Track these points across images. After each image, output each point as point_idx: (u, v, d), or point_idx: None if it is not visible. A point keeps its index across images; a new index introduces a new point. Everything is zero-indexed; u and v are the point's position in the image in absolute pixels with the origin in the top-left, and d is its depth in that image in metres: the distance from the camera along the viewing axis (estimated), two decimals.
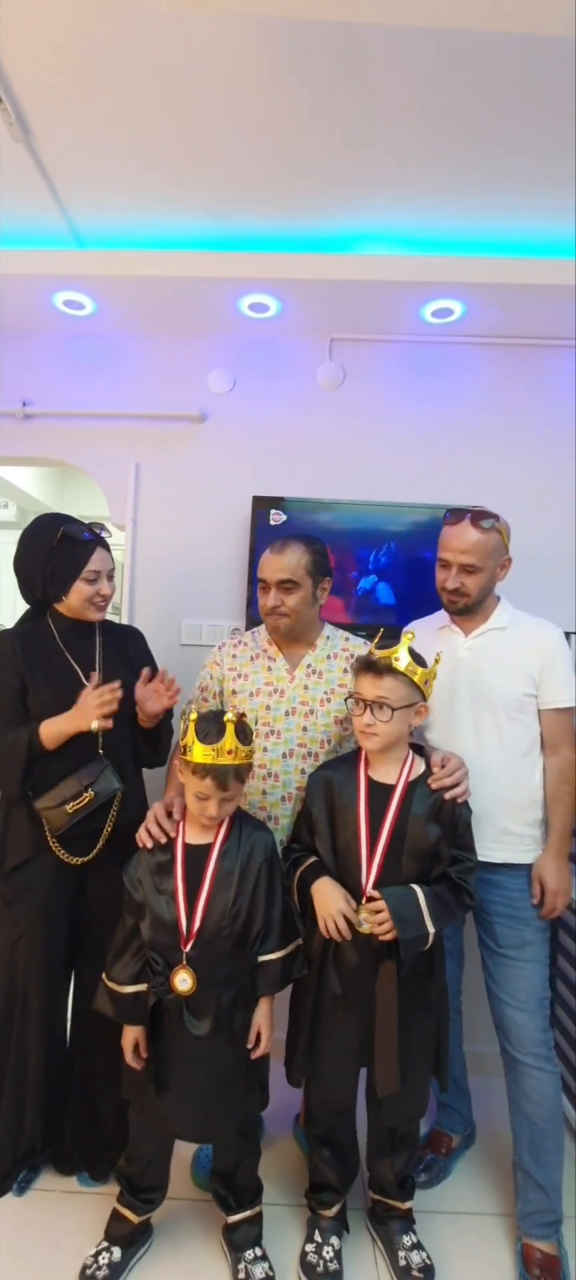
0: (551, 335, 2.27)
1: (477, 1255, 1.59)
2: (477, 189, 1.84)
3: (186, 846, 1.45)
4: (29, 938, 1.61)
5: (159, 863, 1.44)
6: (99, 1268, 1.44)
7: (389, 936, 1.36)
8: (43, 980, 1.63)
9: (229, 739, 1.36)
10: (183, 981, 1.36)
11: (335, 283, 2.07)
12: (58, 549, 1.63)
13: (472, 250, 2.07)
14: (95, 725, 1.56)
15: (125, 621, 2.38)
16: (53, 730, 1.57)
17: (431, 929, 1.38)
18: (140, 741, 1.75)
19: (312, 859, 1.50)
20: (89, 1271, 1.44)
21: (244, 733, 1.41)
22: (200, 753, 1.35)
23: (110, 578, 1.70)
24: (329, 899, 1.42)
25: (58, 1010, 1.71)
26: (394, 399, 2.38)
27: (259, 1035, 1.45)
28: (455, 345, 2.34)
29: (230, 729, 1.37)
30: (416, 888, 1.41)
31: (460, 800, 1.49)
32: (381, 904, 1.37)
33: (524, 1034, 1.58)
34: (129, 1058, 1.42)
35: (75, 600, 1.65)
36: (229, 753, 1.36)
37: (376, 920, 1.37)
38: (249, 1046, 1.45)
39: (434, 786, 1.48)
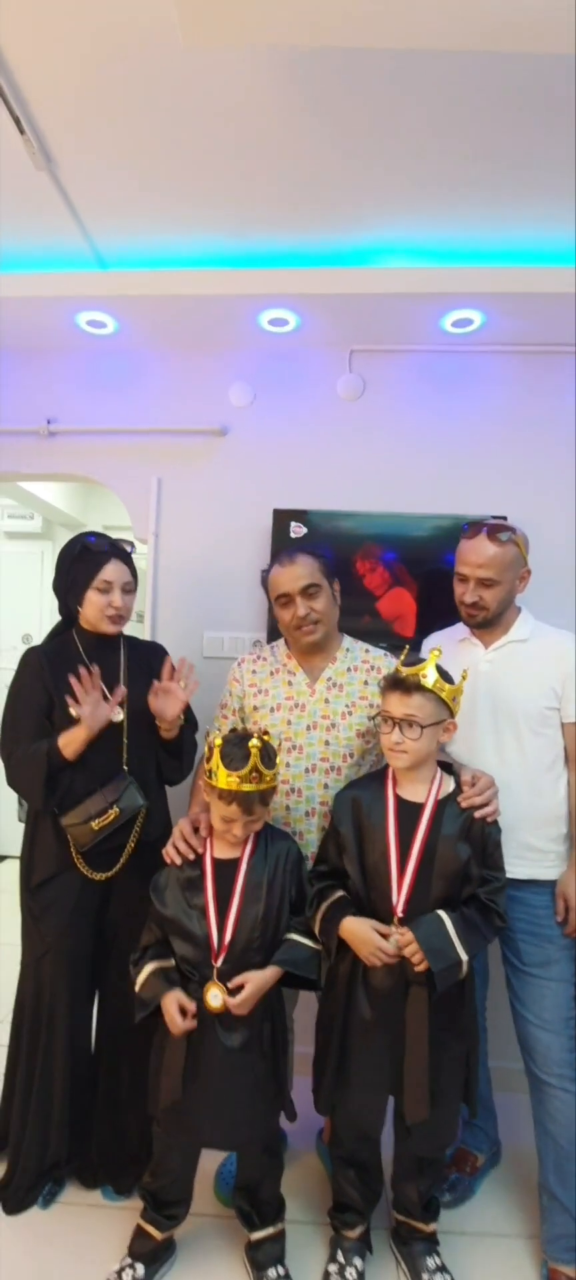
0: (571, 342, 2.24)
1: (502, 1279, 1.56)
2: (494, 200, 1.83)
3: (215, 861, 1.47)
4: (55, 952, 1.64)
5: (188, 878, 1.47)
6: None
7: (422, 968, 1.36)
8: (68, 994, 1.66)
9: (254, 763, 1.38)
10: (214, 998, 1.38)
11: (353, 296, 2.08)
12: (77, 560, 1.69)
13: (492, 260, 2.05)
14: (119, 716, 1.64)
15: (148, 634, 2.41)
16: (68, 738, 1.61)
17: (463, 956, 1.36)
18: (163, 755, 1.77)
19: (337, 895, 1.48)
20: None
21: (268, 756, 1.43)
22: (224, 778, 1.38)
23: (126, 591, 1.72)
24: (362, 940, 1.41)
25: (83, 1024, 1.73)
26: (415, 409, 2.37)
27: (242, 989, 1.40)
28: (475, 355, 2.33)
29: (255, 754, 1.38)
30: (444, 915, 1.39)
31: (490, 820, 1.47)
32: (411, 937, 1.36)
33: (548, 1054, 1.56)
34: (178, 1023, 1.38)
35: (89, 611, 1.69)
36: (253, 778, 1.38)
37: (408, 952, 1.37)
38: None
39: (464, 805, 1.47)
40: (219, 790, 1.40)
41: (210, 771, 1.41)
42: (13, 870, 4.14)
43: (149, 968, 1.44)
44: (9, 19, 1.34)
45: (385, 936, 1.39)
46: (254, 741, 1.39)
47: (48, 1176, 1.70)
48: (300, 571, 1.67)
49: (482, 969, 1.83)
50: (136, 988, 1.44)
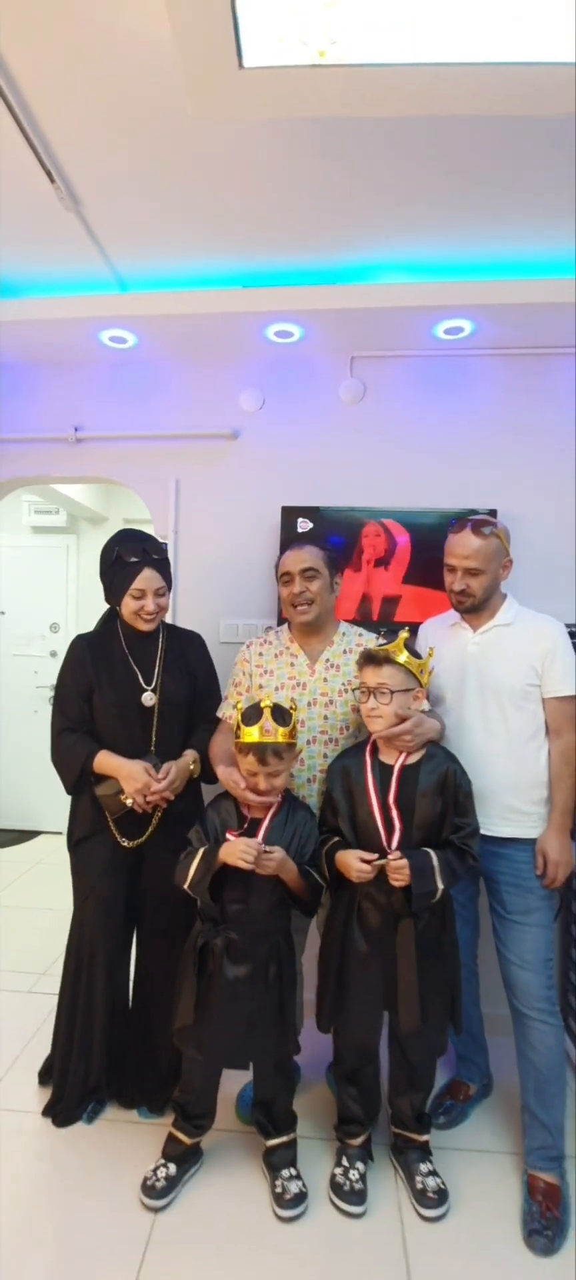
0: (554, 344, 2.41)
1: (489, 1185, 1.78)
2: (482, 218, 1.98)
3: (249, 820, 1.71)
4: (94, 900, 1.87)
5: (224, 823, 1.71)
6: (157, 1179, 1.69)
7: (403, 882, 1.58)
8: (106, 939, 1.88)
9: (267, 719, 1.62)
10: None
11: (352, 310, 2.25)
12: (114, 565, 1.87)
13: (479, 273, 2.22)
14: (129, 801, 1.81)
15: (169, 621, 2.61)
16: (105, 764, 1.82)
17: (440, 885, 1.59)
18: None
19: (335, 839, 1.71)
20: (148, 1182, 1.69)
21: (280, 715, 1.66)
22: (245, 734, 1.63)
23: (158, 594, 1.88)
24: (348, 864, 1.64)
25: (120, 967, 1.96)
26: (412, 410, 2.54)
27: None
28: (467, 358, 2.50)
29: (267, 712, 1.62)
30: (430, 851, 1.62)
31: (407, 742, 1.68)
32: (404, 861, 1.58)
33: (528, 990, 1.76)
34: (245, 850, 1.57)
35: (125, 612, 1.89)
36: (267, 731, 1.61)
37: (396, 869, 1.58)
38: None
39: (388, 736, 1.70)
40: (240, 745, 1.65)
41: (237, 734, 1.67)
42: (48, 844, 4.44)
43: (202, 850, 1.66)
44: (38, 78, 1.52)
45: (368, 862, 1.61)
46: (265, 701, 1.64)
47: (91, 1097, 1.93)
48: (304, 556, 1.89)
49: (473, 919, 2.03)
50: (189, 875, 1.64)
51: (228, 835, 1.66)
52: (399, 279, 2.26)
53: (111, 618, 1.99)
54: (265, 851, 1.59)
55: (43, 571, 4.63)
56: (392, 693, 1.65)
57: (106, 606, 2.02)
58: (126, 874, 1.91)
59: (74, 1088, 1.90)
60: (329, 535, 2.45)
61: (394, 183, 1.85)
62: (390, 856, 1.60)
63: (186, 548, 2.64)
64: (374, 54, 1.22)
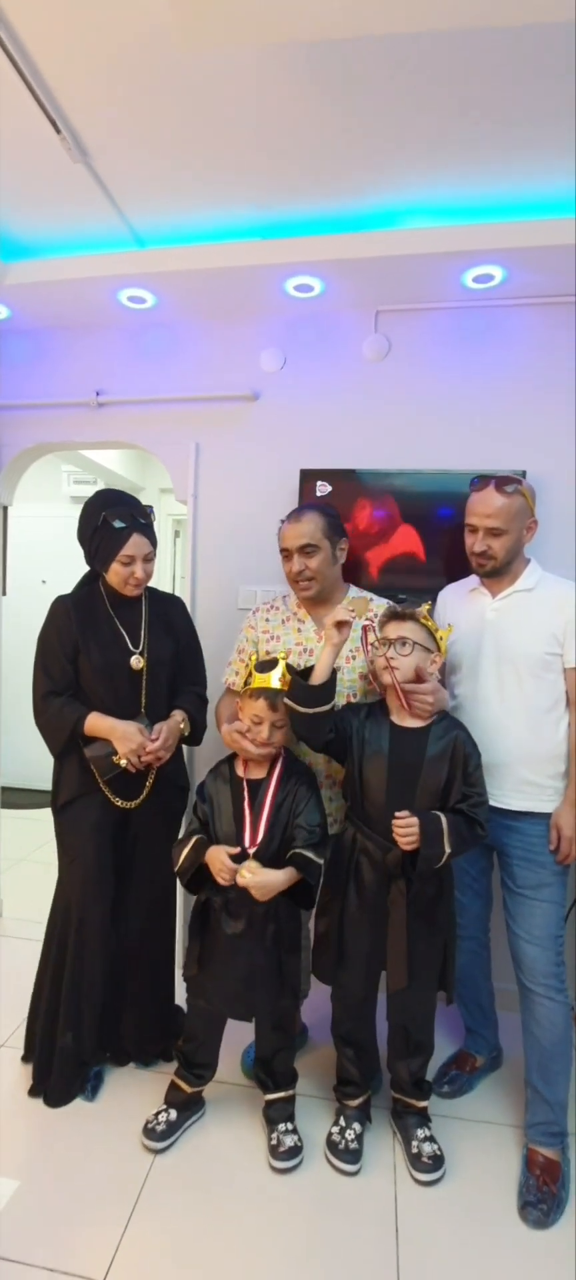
0: None
1: (488, 1156, 1.76)
2: (511, 154, 1.85)
3: (248, 782, 1.73)
4: (80, 864, 1.83)
5: (220, 788, 1.74)
6: (158, 1123, 1.75)
7: (412, 846, 1.55)
8: (94, 903, 1.83)
9: (280, 670, 1.65)
10: (247, 870, 1.61)
11: (374, 259, 2.16)
12: (100, 530, 1.80)
13: (511, 214, 2.08)
14: (123, 762, 1.79)
15: (188, 588, 2.63)
16: (97, 725, 1.80)
17: (447, 849, 1.56)
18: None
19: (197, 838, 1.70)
20: (149, 1125, 1.75)
21: (293, 670, 1.68)
22: (257, 680, 1.66)
23: (146, 560, 1.84)
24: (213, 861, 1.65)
25: (108, 932, 1.89)
26: (440, 366, 2.43)
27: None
28: (498, 309, 2.37)
29: (282, 664, 1.67)
30: (441, 815, 1.59)
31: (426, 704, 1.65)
32: (414, 820, 1.55)
33: (536, 966, 1.71)
34: (225, 862, 1.60)
35: (112, 578, 1.84)
36: (279, 680, 1.65)
37: (404, 828, 1.55)
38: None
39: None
40: (251, 691, 1.68)
41: (246, 683, 1.70)
42: None
43: (194, 838, 1.68)
44: (38, 26, 1.49)
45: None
46: (281, 655, 1.70)
47: (85, 1068, 1.88)
48: (301, 530, 1.83)
49: (485, 893, 1.98)
50: (180, 860, 1.67)
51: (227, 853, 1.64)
52: (424, 224, 2.15)
53: (92, 579, 1.95)
54: (245, 868, 1.59)
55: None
56: (414, 644, 1.63)
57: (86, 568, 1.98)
58: (113, 834, 1.88)
59: (66, 1062, 1.84)
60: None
61: (417, 120, 1.74)
62: (398, 815, 1.57)
63: (206, 512, 2.63)
64: None
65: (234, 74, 1.62)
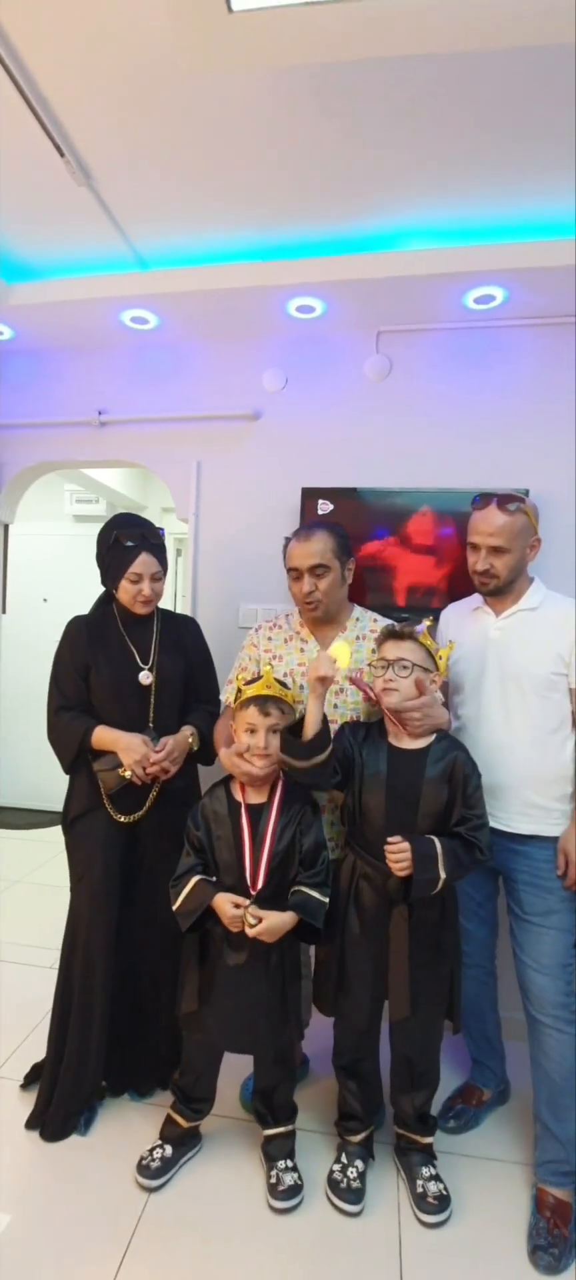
0: None
1: (496, 1195, 1.69)
2: (513, 176, 1.86)
3: (248, 806, 1.67)
4: (87, 881, 1.82)
5: (216, 812, 1.69)
6: (153, 1160, 1.69)
7: (405, 872, 1.51)
8: (101, 922, 1.80)
9: (267, 678, 1.63)
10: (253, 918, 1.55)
11: (375, 280, 2.17)
12: (112, 548, 1.86)
13: (512, 235, 2.09)
14: (128, 774, 1.77)
15: (189, 606, 2.61)
16: (103, 738, 1.80)
17: (442, 874, 1.51)
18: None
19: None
20: (144, 1162, 1.69)
21: (281, 680, 1.68)
22: (246, 691, 1.64)
23: (154, 579, 1.88)
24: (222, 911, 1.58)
25: (112, 955, 1.85)
26: (441, 386, 2.43)
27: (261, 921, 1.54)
28: (499, 330, 2.37)
29: (267, 672, 1.64)
30: (435, 839, 1.54)
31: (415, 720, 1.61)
32: (406, 845, 1.51)
33: (544, 996, 1.66)
34: (231, 914, 1.55)
35: (122, 595, 1.88)
36: (268, 686, 1.62)
37: (395, 854, 1.51)
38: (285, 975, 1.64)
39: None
40: (242, 702, 1.65)
41: (237, 697, 1.67)
42: None
43: (195, 879, 1.62)
44: (43, 51, 1.51)
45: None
46: (266, 667, 1.67)
47: (85, 1103, 1.83)
48: (312, 550, 1.79)
49: (491, 919, 1.93)
50: (179, 900, 1.62)
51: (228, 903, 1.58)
52: (425, 245, 2.16)
53: (107, 601, 1.99)
54: (251, 914, 1.54)
55: (84, 559, 4.72)
56: (413, 666, 1.59)
57: (101, 589, 2.01)
58: (120, 853, 1.87)
59: (64, 1096, 1.79)
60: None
61: (418, 142, 1.75)
62: (391, 841, 1.53)
63: (207, 530, 2.62)
64: None
65: (236, 98, 1.63)
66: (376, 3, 1.17)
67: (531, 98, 1.59)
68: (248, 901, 1.58)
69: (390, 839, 1.53)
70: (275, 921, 1.55)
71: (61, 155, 1.79)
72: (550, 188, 1.90)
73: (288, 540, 1.90)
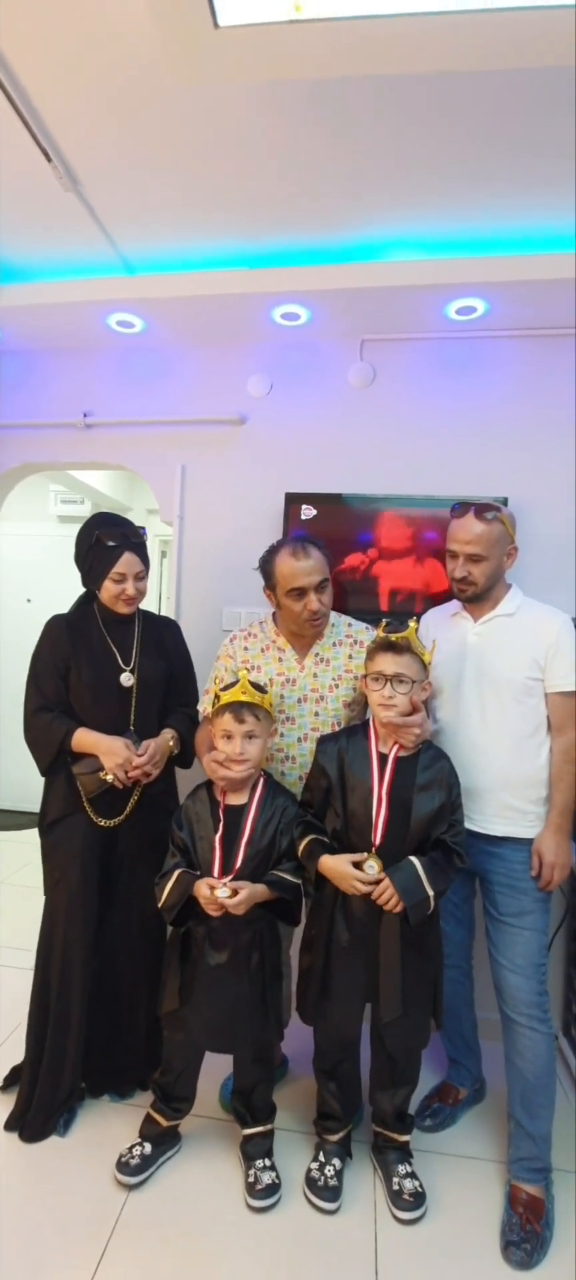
0: (572, 325, 2.30)
1: (471, 1192, 1.72)
2: (495, 190, 1.90)
3: (227, 808, 1.69)
4: (64, 885, 1.80)
5: (199, 814, 1.70)
6: (132, 1157, 1.69)
7: (398, 910, 1.53)
8: (80, 928, 1.79)
9: (243, 684, 1.63)
10: (222, 892, 1.57)
11: (360, 290, 2.20)
12: (94, 548, 1.84)
13: (493, 249, 2.13)
14: (110, 777, 1.78)
15: (172, 609, 2.62)
16: (83, 740, 1.79)
17: (431, 892, 1.54)
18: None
19: (311, 838, 1.65)
20: (123, 1159, 1.69)
21: (257, 686, 1.67)
22: (223, 697, 1.64)
23: (138, 578, 1.87)
24: (340, 875, 1.58)
25: (91, 958, 1.85)
26: (424, 394, 2.47)
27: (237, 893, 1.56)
28: (480, 340, 2.41)
29: (243, 677, 1.64)
30: (415, 860, 1.56)
31: (406, 742, 1.64)
32: (387, 884, 1.53)
33: (518, 995, 1.69)
34: (208, 894, 1.56)
35: (105, 595, 1.87)
36: (243, 693, 1.63)
37: (383, 897, 1.54)
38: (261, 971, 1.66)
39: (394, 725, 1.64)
40: (218, 709, 1.65)
41: (215, 703, 1.67)
42: None
43: (177, 873, 1.64)
44: (32, 57, 1.53)
45: (359, 865, 1.57)
46: (242, 672, 1.67)
47: (64, 1105, 1.83)
48: (314, 566, 1.78)
49: (467, 920, 1.96)
50: (163, 896, 1.63)
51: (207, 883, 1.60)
52: (409, 257, 2.19)
53: (88, 600, 1.97)
54: (231, 891, 1.56)
55: (69, 560, 4.70)
56: (413, 682, 1.61)
57: (81, 590, 1.99)
58: (99, 857, 1.85)
59: (43, 1098, 1.79)
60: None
61: (402, 154, 1.79)
62: (377, 881, 1.55)
63: (191, 534, 2.63)
64: (353, 6, 1.17)
65: (223, 107, 1.65)
66: (359, 22, 1.19)
67: (514, 114, 1.63)
68: (221, 881, 1.58)
69: (365, 879, 1.55)
70: (246, 892, 1.56)
71: (49, 160, 1.80)
72: (531, 203, 1.95)
73: (271, 556, 1.86)
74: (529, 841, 1.74)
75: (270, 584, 1.86)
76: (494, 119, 1.65)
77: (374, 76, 1.52)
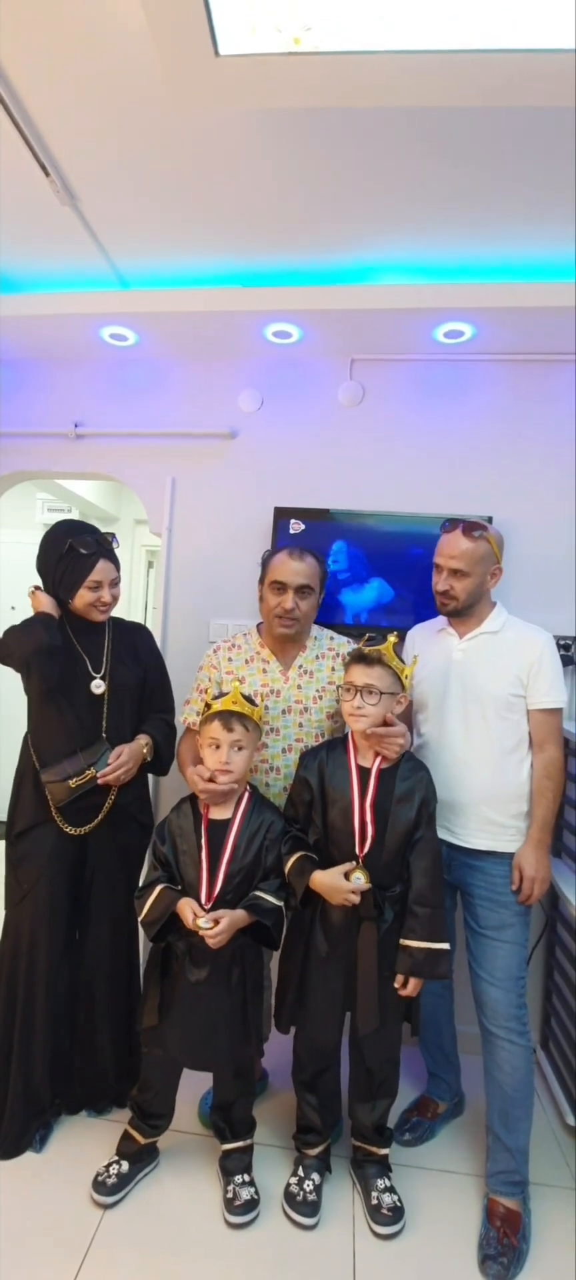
0: (555, 351, 2.37)
1: (449, 1206, 1.73)
2: (484, 220, 1.95)
3: (209, 822, 1.69)
4: (32, 899, 1.77)
5: (181, 828, 1.69)
6: (109, 1176, 1.68)
7: (413, 992, 1.61)
8: (47, 942, 1.77)
9: (235, 695, 1.64)
10: (204, 924, 1.56)
11: (350, 311, 2.24)
12: (66, 557, 1.80)
13: (481, 276, 2.19)
14: (72, 784, 1.76)
15: (160, 620, 2.62)
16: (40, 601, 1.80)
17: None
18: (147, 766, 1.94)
19: (299, 855, 1.65)
20: (100, 1178, 1.67)
21: (247, 698, 1.68)
22: (215, 705, 1.65)
23: (113, 585, 1.86)
24: (333, 890, 1.59)
25: (60, 973, 1.84)
26: (412, 414, 2.52)
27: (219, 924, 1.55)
28: (468, 363, 2.47)
29: (235, 688, 1.65)
30: (414, 945, 1.59)
31: (387, 754, 1.66)
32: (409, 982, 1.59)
33: (497, 1008, 1.70)
34: (193, 923, 1.56)
35: (79, 604, 1.83)
36: (234, 703, 1.63)
37: (408, 990, 1.59)
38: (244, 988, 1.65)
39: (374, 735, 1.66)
40: (207, 716, 1.65)
41: (204, 712, 1.67)
42: None
43: (159, 887, 1.63)
44: (31, 73, 1.55)
45: (347, 875, 1.58)
46: (235, 683, 1.68)
47: (37, 1120, 1.82)
48: (303, 569, 1.83)
49: (449, 934, 1.97)
50: (144, 910, 1.62)
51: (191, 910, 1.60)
52: (398, 281, 2.24)
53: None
54: (212, 922, 1.55)
55: None
56: (381, 694, 1.63)
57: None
58: (69, 868, 1.82)
59: (15, 1113, 1.78)
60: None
61: (394, 181, 1.83)
62: (355, 871, 1.58)
63: (180, 545, 2.64)
64: (350, 41, 1.21)
65: (220, 129, 1.69)
66: (357, 57, 1.23)
67: (504, 146, 1.67)
68: (202, 914, 1.58)
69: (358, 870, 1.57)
70: (226, 922, 1.56)
71: (47, 175, 1.82)
72: (519, 233, 2.00)
73: (271, 553, 1.92)
74: (509, 856, 1.76)
75: (262, 577, 1.91)
76: (485, 149, 1.69)
77: (371, 108, 1.55)
